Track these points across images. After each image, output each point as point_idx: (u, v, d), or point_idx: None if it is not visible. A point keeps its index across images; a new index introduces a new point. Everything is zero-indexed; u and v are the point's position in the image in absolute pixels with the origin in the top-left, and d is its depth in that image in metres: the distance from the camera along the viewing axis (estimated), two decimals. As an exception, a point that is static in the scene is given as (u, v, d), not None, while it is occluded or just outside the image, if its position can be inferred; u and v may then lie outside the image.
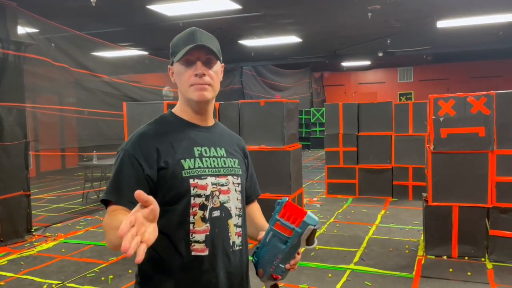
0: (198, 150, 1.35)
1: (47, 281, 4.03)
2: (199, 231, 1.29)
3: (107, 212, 1.23)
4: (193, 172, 1.30)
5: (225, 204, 1.34)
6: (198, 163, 1.32)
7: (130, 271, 4.23)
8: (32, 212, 5.75)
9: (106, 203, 1.27)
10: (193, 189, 1.28)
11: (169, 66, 1.41)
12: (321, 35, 10.18)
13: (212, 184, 1.32)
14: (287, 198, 1.33)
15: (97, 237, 5.47)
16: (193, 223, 1.28)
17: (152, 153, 1.28)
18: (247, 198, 1.51)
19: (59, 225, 6.12)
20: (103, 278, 4.06)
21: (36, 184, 9.29)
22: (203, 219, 1.29)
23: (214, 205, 1.32)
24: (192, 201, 1.28)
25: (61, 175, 11.15)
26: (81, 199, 7.87)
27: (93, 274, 4.19)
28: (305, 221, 1.25)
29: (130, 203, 1.16)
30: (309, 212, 1.28)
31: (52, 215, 6.73)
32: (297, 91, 16.16)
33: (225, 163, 1.39)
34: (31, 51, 5.60)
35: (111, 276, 4.09)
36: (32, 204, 5.74)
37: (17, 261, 4.63)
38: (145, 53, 9.93)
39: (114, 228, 1.07)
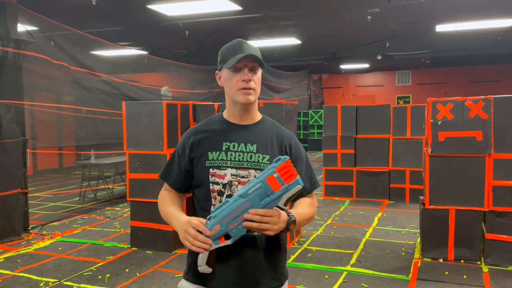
0: (226, 144, 1.58)
1: (43, 279, 4.03)
2: None
3: (164, 188, 1.70)
4: (214, 163, 1.56)
5: None
6: (222, 156, 1.56)
7: (127, 270, 4.23)
8: (29, 210, 5.74)
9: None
10: (211, 177, 1.55)
11: (216, 71, 1.64)
12: (321, 38, 10.21)
13: (232, 175, 1.55)
14: (288, 157, 1.40)
15: (94, 235, 5.47)
16: (214, 205, 1.55)
17: (188, 147, 1.61)
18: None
19: (56, 223, 6.12)
20: (100, 277, 4.06)
21: (34, 182, 9.29)
22: (220, 202, 1.53)
23: (232, 192, 1.53)
24: (211, 187, 1.56)
25: (58, 174, 11.15)
26: (78, 198, 7.86)
27: (90, 273, 4.19)
28: (297, 180, 1.36)
29: (172, 183, 1.67)
30: (299, 176, 1.38)
31: (49, 214, 6.73)
32: (296, 93, 16.14)
33: (251, 158, 1.56)
34: (31, 49, 5.59)
35: (108, 275, 4.10)
36: (29, 202, 5.73)
37: (14, 259, 4.62)
38: (144, 52, 9.92)
39: (166, 211, 1.60)
